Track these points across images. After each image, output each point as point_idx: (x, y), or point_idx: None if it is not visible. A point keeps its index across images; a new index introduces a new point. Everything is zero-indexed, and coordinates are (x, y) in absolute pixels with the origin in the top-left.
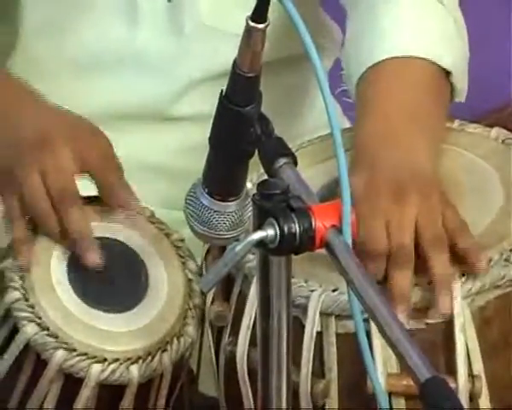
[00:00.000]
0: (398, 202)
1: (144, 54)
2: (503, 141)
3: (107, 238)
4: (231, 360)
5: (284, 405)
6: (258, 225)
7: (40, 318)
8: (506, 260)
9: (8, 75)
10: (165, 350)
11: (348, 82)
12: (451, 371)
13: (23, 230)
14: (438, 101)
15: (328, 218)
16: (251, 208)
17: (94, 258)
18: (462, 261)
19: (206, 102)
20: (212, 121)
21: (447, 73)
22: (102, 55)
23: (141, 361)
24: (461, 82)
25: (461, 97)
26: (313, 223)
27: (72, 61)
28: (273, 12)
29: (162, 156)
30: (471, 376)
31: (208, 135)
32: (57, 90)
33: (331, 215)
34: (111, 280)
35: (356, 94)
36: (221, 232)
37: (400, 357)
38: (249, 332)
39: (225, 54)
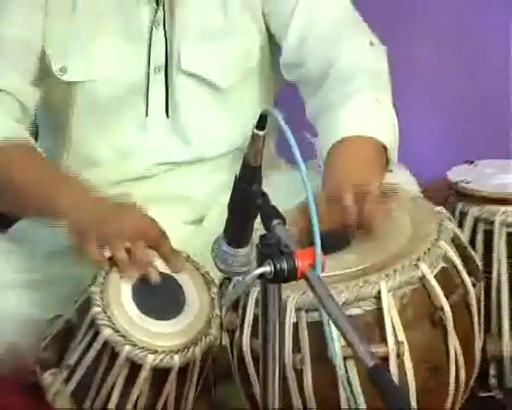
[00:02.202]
0: (344, 191)
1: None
2: (411, 198)
3: (160, 271)
4: (240, 350)
5: (277, 377)
6: (260, 264)
7: (113, 324)
8: (415, 265)
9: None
10: (196, 345)
11: (320, 156)
12: (383, 340)
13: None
14: (379, 158)
15: (305, 259)
16: (255, 253)
17: (155, 276)
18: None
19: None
20: (230, 194)
21: (385, 149)
22: (124, 147)
23: (180, 352)
24: (392, 157)
25: (391, 166)
26: (296, 263)
27: (108, 155)
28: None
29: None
30: (397, 342)
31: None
32: (100, 172)
33: (308, 257)
34: (160, 298)
35: (325, 161)
36: (235, 268)
37: (351, 347)
38: (249, 329)
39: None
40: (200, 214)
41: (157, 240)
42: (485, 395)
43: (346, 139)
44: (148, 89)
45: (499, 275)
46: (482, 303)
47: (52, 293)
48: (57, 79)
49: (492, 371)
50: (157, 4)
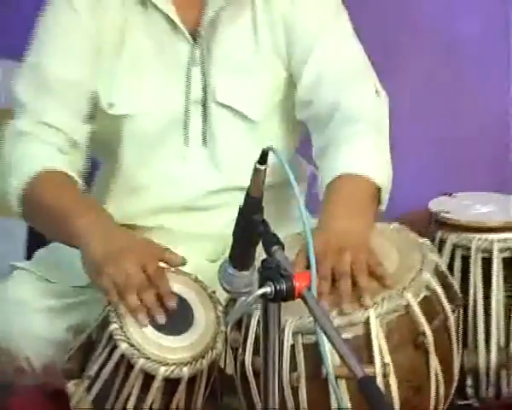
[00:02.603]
0: (340, 253)
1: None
2: (397, 230)
3: (171, 292)
4: (243, 366)
5: (276, 392)
6: (261, 285)
7: (129, 339)
8: (400, 294)
9: (102, 211)
10: (203, 358)
11: (320, 188)
12: (371, 361)
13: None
14: (372, 201)
15: (302, 281)
16: (257, 275)
17: (172, 304)
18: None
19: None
20: (234, 223)
21: (379, 189)
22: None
23: (189, 365)
24: (384, 199)
25: (383, 205)
26: (294, 284)
27: (151, 183)
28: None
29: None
30: (383, 364)
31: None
32: (145, 198)
33: (304, 279)
34: (171, 316)
35: (324, 195)
36: (239, 289)
37: (343, 360)
38: (251, 347)
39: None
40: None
41: (165, 260)
42: (462, 403)
43: (342, 177)
44: (187, 120)
45: (475, 296)
46: (460, 326)
47: (79, 316)
48: (105, 113)
49: (469, 382)
50: (195, 42)
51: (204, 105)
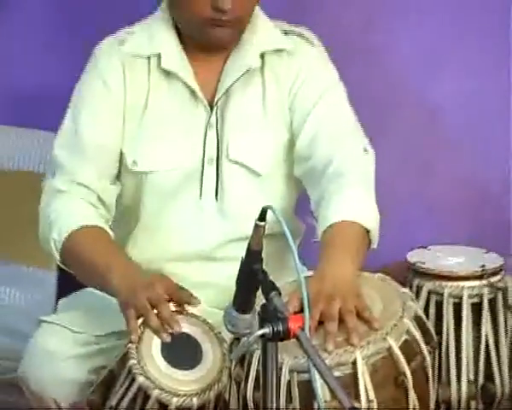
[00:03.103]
0: (331, 299)
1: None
2: (381, 279)
3: (182, 332)
4: (245, 398)
5: None
6: (261, 327)
7: (146, 373)
8: (383, 338)
9: (129, 261)
10: (210, 390)
11: (318, 237)
12: (357, 397)
13: (137, 327)
14: (362, 247)
15: (296, 323)
16: (257, 318)
17: (179, 329)
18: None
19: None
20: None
21: (368, 231)
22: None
23: (198, 396)
24: (375, 239)
25: (374, 244)
26: (289, 326)
27: (168, 230)
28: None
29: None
30: (368, 400)
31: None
32: (162, 245)
33: (298, 321)
34: (182, 353)
35: (321, 240)
36: (241, 330)
37: (333, 393)
38: (253, 383)
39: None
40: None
41: (178, 299)
42: None
43: (334, 225)
44: (202, 176)
45: (448, 336)
46: (436, 363)
47: (101, 360)
48: (129, 170)
49: None
50: (211, 110)
51: (217, 162)
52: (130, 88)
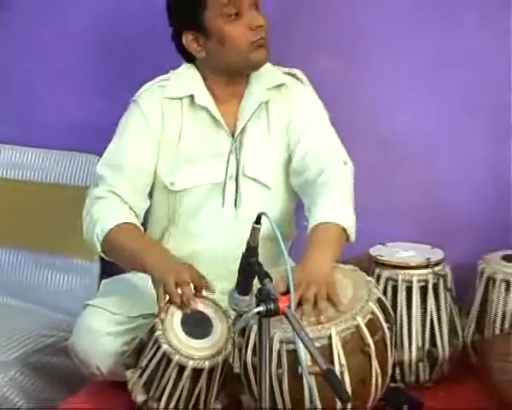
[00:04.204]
0: (309, 286)
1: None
2: (352, 270)
3: (197, 310)
4: (245, 363)
5: (267, 383)
6: (257, 306)
7: (169, 341)
8: (353, 318)
9: (163, 248)
10: (219, 355)
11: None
12: (332, 363)
13: (165, 307)
14: (340, 242)
15: (284, 303)
16: (254, 299)
17: (196, 307)
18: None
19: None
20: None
21: (345, 230)
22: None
23: (209, 360)
24: (351, 235)
25: (352, 240)
26: (279, 305)
27: (198, 233)
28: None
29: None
30: (340, 365)
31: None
32: (193, 244)
33: (286, 301)
34: (197, 326)
35: (308, 238)
36: (242, 309)
37: (314, 359)
38: (251, 350)
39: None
40: None
41: (197, 284)
42: (393, 385)
43: (318, 226)
44: (224, 189)
45: (401, 313)
46: (394, 335)
47: (132, 336)
48: (168, 189)
49: (398, 371)
50: (233, 139)
51: (236, 179)
52: (166, 124)
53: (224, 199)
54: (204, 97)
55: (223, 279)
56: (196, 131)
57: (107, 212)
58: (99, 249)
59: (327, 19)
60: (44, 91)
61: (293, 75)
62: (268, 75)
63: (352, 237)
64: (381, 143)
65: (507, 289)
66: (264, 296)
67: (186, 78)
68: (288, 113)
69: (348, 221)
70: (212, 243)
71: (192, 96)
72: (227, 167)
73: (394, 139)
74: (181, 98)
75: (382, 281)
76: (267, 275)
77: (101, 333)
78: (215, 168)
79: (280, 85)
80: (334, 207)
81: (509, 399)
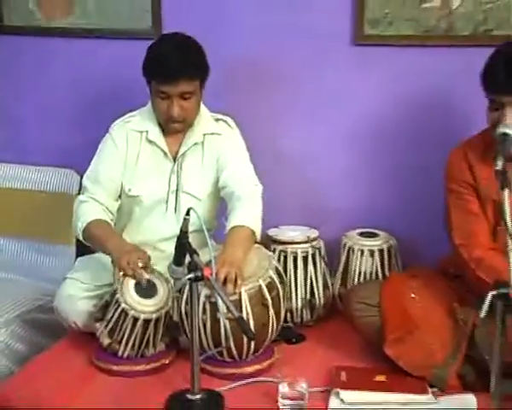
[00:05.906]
0: (228, 267)
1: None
2: (257, 247)
3: (146, 278)
4: (181, 312)
5: (196, 325)
6: (189, 273)
7: (126, 301)
8: (257, 281)
9: (121, 238)
10: (162, 309)
11: (226, 232)
12: (241, 312)
13: (120, 278)
14: (249, 240)
15: (208, 271)
16: (186, 269)
17: (144, 276)
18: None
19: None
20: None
21: (253, 232)
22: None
23: (155, 312)
24: (258, 235)
25: (258, 238)
26: (204, 273)
27: (146, 230)
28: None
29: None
30: (247, 313)
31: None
32: (143, 235)
33: (209, 271)
34: (146, 289)
35: (226, 234)
36: (178, 275)
37: (229, 309)
38: (184, 302)
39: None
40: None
41: (145, 261)
42: (285, 325)
43: (234, 227)
44: (167, 200)
45: (290, 276)
46: (285, 293)
47: (100, 299)
48: (126, 194)
49: (288, 315)
50: (174, 162)
51: (176, 192)
52: (129, 149)
53: (167, 206)
54: (155, 133)
55: (165, 259)
56: (148, 156)
57: (87, 212)
58: (81, 237)
59: None
60: (35, 124)
61: (225, 121)
62: (205, 123)
63: (259, 236)
64: (277, 156)
65: (361, 256)
66: (193, 267)
67: (145, 117)
68: (217, 150)
69: (256, 226)
70: (156, 235)
71: (147, 132)
72: (169, 183)
73: (285, 154)
74: (141, 132)
75: (277, 253)
76: (195, 252)
77: (77, 298)
78: (161, 184)
79: (213, 133)
80: (247, 214)
81: (367, 333)
